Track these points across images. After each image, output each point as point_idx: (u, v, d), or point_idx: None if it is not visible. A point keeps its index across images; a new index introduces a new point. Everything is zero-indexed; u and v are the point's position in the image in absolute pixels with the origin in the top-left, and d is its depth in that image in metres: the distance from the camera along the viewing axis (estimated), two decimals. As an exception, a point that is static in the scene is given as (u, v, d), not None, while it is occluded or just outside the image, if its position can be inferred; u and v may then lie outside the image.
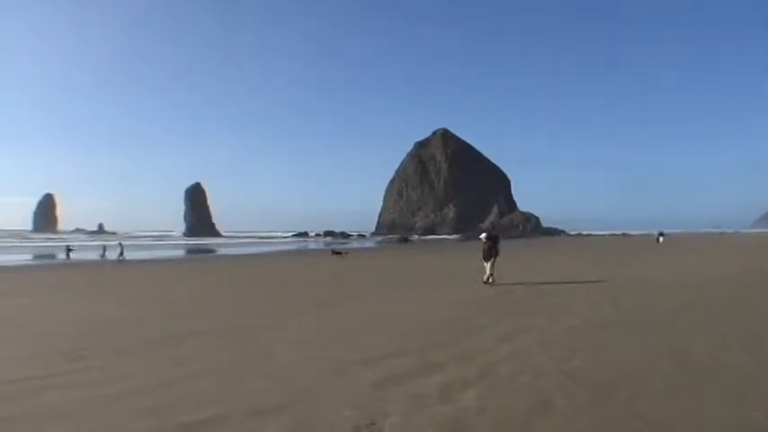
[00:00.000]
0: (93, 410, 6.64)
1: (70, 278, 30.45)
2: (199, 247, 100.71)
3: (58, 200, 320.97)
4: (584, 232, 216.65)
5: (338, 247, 59.55)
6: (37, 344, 11.07)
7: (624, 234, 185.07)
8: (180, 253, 75.43)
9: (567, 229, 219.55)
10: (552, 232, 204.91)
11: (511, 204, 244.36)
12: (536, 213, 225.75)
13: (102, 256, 53.46)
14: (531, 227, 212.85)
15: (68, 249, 55.64)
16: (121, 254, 50.78)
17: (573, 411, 6.39)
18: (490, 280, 21.23)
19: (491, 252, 21.78)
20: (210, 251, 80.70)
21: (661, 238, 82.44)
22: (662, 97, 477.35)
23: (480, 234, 24.21)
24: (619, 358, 9.00)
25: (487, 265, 21.62)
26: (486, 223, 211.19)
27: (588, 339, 10.51)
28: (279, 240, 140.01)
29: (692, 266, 31.09)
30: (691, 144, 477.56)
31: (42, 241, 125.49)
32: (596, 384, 7.40)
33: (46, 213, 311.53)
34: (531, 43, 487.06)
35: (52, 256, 58.99)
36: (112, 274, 33.42)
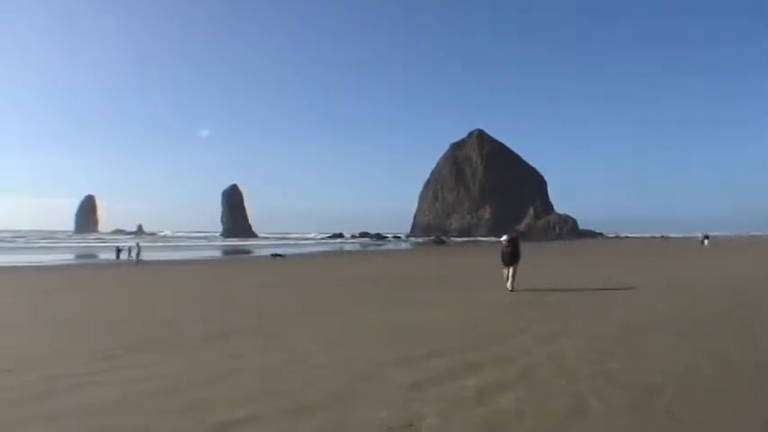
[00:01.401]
0: (131, 407, 6.76)
1: (105, 278, 31.00)
2: (234, 248, 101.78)
3: (98, 201, 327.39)
4: (622, 235, 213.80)
5: (278, 251, 61.57)
6: (75, 342, 11.31)
7: (663, 237, 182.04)
8: (216, 254, 76.35)
9: (604, 232, 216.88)
10: (589, 235, 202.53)
11: (547, 206, 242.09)
12: (573, 215, 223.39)
13: (117, 257, 53.89)
14: (567, 229, 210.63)
15: (118, 250, 56.17)
16: (138, 255, 51.09)
17: (611, 415, 6.29)
18: (512, 287, 19.42)
19: (513, 256, 19.94)
20: (245, 252, 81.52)
21: (706, 241, 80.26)
22: (706, 99, 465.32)
23: (501, 237, 21.85)
24: (658, 362, 8.84)
25: (508, 271, 19.80)
26: (522, 225, 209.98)
27: (626, 343, 10.34)
28: (314, 241, 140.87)
29: (737, 270, 30.39)
30: (737, 142, 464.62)
31: (84, 241, 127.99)
32: (635, 388, 7.28)
33: (87, 215, 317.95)
34: (567, 43, 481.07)
35: (94, 256, 60.01)
36: (144, 274, 33.96)
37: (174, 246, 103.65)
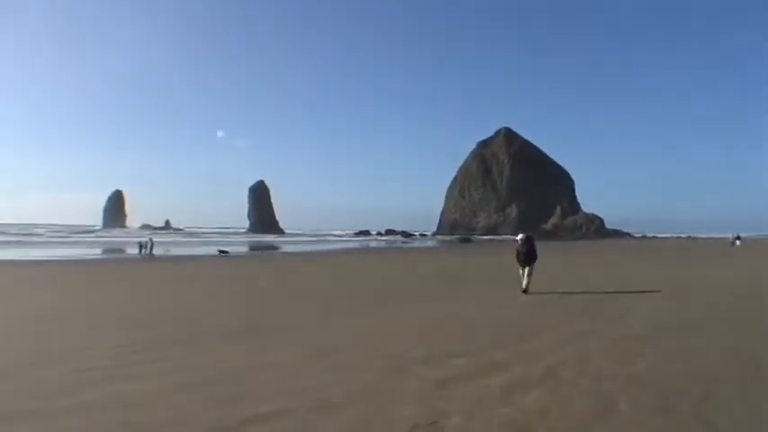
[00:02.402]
0: (162, 400, 6.88)
1: (126, 272, 31.39)
2: (260, 244, 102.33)
3: (126, 196, 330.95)
4: (649, 235, 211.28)
5: (224, 248, 61.62)
6: (107, 335, 11.51)
7: (689, 237, 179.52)
8: (243, 249, 76.90)
9: (631, 232, 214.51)
10: (616, 234, 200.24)
11: (574, 205, 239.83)
12: (600, 214, 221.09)
13: (140, 252, 51.78)
14: (594, 229, 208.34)
15: (150, 245, 53.30)
16: (151, 249, 50.68)
17: (638, 416, 6.26)
18: (527, 288, 18.49)
19: (530, 255, 19.01)
20: (272, 248, 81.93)
21: (738, 242, 78.75)
22: (733, 95, 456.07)
23: (517, 235, 20.86)
24: (686, 364, 8.75)
25: (524, 271, 18.89)
26: (549, 224, 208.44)
27: (653, 344, 10.25)
28: (341, 239, 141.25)
29: None
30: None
31: (107, 236, 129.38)
32: (662, 390, 7.23)
33: (115, 209, 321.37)
34: (596, 40, 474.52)
35: (122, 251, 60.26)
36: (171, 269, 34.35)
37: (198, 241, 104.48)
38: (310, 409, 6.51)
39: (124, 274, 30.29)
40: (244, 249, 77.78)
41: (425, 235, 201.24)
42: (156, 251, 51.32)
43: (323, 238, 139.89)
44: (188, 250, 62.96)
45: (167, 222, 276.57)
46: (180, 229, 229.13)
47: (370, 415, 6.30)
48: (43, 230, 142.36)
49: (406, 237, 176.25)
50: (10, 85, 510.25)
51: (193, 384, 7.57)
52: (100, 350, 9.92)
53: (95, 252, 59.36)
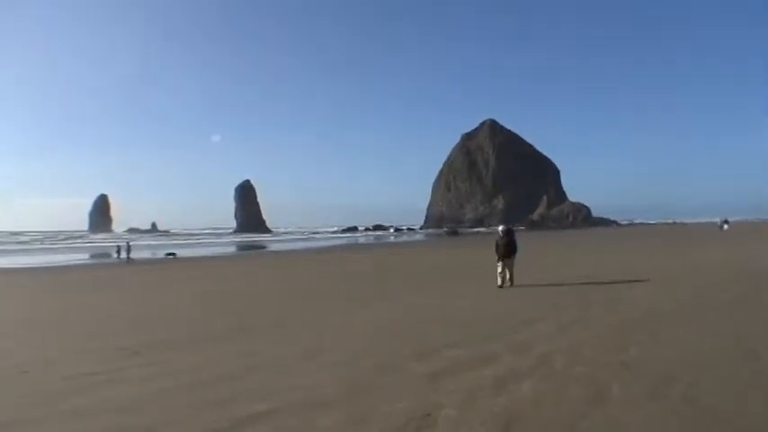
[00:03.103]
0: (156, 403, 6.87)
1: (121, 276, 31.22)
2: (247, 243, 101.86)
3: (111, 200, 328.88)
4: (636, 221, 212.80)
5: (173, 251, 58.07)
6: (97, 340, 11.44)
7: (674, 222, 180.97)
8: (230, 250, 76.66)
9: (618, 219, 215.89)
10: (603, 223, 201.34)
11: (560, 194, 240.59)
12: (587, 203, 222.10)
13: (118, 256, 50.07)
14: (581, 217, 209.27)
15: (127, 248, 50.81)
16: (128, 253, 49.09)
17: (630, 402, 6.31)
18: (508, 283, 18.00)
19: (509, 248, 18.25)
20: (259, 247, 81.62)
21: (726, 226, 79.35)
22: (720, 84, 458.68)
23: (499, 227, 20.17)
24: (677, 349, 8.84)
25: (501, 265, 18.13)
26: (535, 214, 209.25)
27: (645, 330, 10.33)
28: (328, 236, 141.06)
29: (758, 256, 30.08)
30: (749, 126, 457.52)
31: (90, 242, 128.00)
32: (654, 375, 7.29)
33: (101, 214, 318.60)
34: (575, 27, 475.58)
35: (108, 255, 58.71)
36: (159, 272, 34.19)
37: (182, 243, 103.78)
38: (306, 406, 6.52)
39: (107, 278, 30.04)
40: (231, 250, 77.58)
41: (413, 229, 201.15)
42: (133, 255, 50.00)
43: (310, 236, 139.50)
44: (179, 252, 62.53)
45: (153, 225, 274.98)
46: (166, 232, 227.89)
47: (365, 410, 6.32)
48: (27, 238, 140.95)
49: (394, 231, 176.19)
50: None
51: (186, 386, 7.56)
52: (90, 355, 9.87)
53: (78, 257, 58.61)
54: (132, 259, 47.35)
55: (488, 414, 6.07)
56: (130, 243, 52.71)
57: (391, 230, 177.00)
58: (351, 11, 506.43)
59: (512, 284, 18.03)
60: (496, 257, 18.44)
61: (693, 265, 24.63)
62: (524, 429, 5.68)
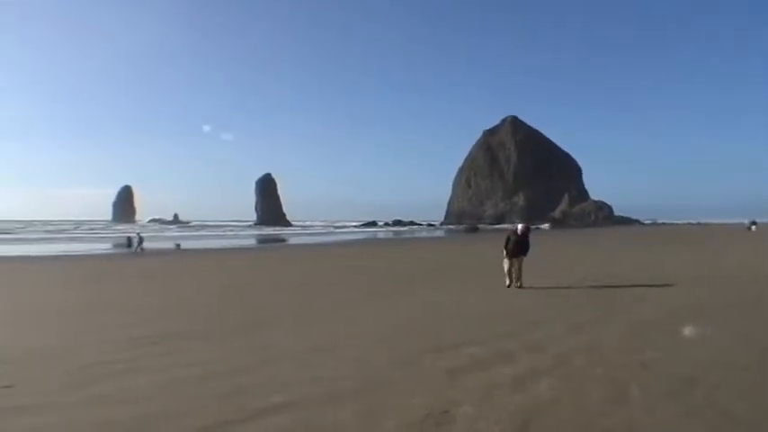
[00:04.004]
0: (174, 393, 6.91)
1: (140, 267, 31.44)
2: (264, 236, 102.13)
3: (135, 191, 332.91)
4: (659, 221, 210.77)
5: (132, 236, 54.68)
6: (113, 329, 11.49)
7: (699, 223, 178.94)
8: (247, 242, 77.03)
9: (641, 218, 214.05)
10: (625, 221, 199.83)
11: (582, 193, 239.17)
12: (608, 202, 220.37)
13: (129, 246, 49.47)
14: (602, 216, 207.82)
15: (138, 240, 49.38)
16: (139, 244, 48.27)
17: (650, 403, 6.23)
18: (517, 283, 17.10)
19: (521, 247, 17.44)
20: (276, 240, 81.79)
21: (754, 227, 78.18)
22: (747, 85, 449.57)
23: (517, 225, 18.89)
24: (698, 350, 8.71)
25: (508, 264, 17.31)
26: (557, 212, 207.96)
27: (666, 332, 10.20)
28: (347, 230, 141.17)
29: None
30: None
31: (109, 232, 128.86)
32: (675, 377, 7.19)
33: (124, 204, 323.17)
34: (602, 25, 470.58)
35: (121, 246, 58.09)
36: (177, 264, 34.39)
37: (198, 235, 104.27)
38: (322, 399, 6.52)
39: (116, 269, 30.21)
40: (248, 242, 77.94)
41: (433, 225, 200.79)
42: (146, 245, 50.02)
43: (330, 230, 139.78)
44: (191, 243, 62.79)
45: (176, 216, 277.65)
46: (188, 223, 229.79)
47: (382, 405, 6.31)
48: (52, 227, 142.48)
49: (413, 227, 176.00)
50: (19, 84, 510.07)
51: (203, 377, 7.59)
52: (108, 344, 9.92)
53: (93, 247, 58.84)
54: (143, 250, 47.49)
55: (506, 412, 6.02)
56: (141, 234, 52.83)
57: (410, 227, 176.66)
58: (378, 7, 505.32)
59: (520, 286, 17.03)
60: (504, 254, 17.51)
61: (716, 265, 24.32)
62: (542, 428, 5.63)
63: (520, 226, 18.54)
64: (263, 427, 5.75)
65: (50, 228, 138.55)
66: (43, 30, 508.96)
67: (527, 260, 17.69)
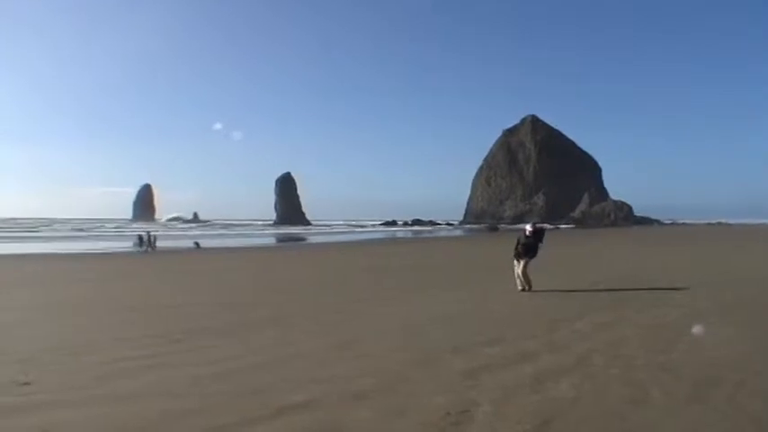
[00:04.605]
0: (196, 389, 6.98)
1: (157, 265, 31.70)
2: (283, 235, 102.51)
3: (155, 190, 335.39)
4: (680, 221, 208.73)
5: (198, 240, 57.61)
6: (135, 326, 11.64)
7: (719, 223, 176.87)
8: (266, 241, 77.38)
9: (660, 218, 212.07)
10: (645, 221, 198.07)
11: (602, 192, 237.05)
12: (628, 202, 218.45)
13: (140, 244, 49.06)
14: (622, 216, 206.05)
15: (148, 238, 49.42)
16: (150, 243, 48.41)
17: (672, 405, 6.20)
18: (526, 287, 16.19)
19: (530, 250, 16.55)
20: (295, 239, 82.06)
21: None
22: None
23: (528, 225, 18.08)
24: (720, 351, 8.65)
25: (519, 267, 16.50)
26: (577, 212, 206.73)
27: (686, 333, 10.12)
28: (366, 229, 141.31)
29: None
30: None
31: (126, 230, 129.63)
32: (696, 378, 7.14)
33: (144, 203, 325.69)
34: (620, 26, 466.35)
35: (134, 244, 58.00)
36: (195, 262, 34.61)
37: (222, 234, 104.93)
38: (342, 397, 6.56)
39: (138, 267, 30.49)
40: (267, 241, 78.30)
41: (452, 224, 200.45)
42: (161, 243, 50.01)
43: (349, 229, 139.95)
44: (210, 242, 63.18)
45: (195, 215, 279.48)
46: (207, 221, 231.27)
47: (403, 403, 6.33)
48: (70, 226, 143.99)
49: (432, 226, 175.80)
50: (39, 83, 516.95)
51: (225, 374, 7.66)
52: (131, 341, 10.01)
53: (109, 245, 59.07)
54: (155, 248, 47.57)
55: (526, 412, 6.02)
56: (152, 233, 52.80)
57: (429, 226, 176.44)
58: (398, 5, 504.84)
59: (529, 288, 16.13)
60: (513, 256, 16.80)
61: (737, 266, 24.06)
62: (562, 429, 5.63)
63: (528, 226, 17.74)
64: (287, 425, 5.79)
65: (70, 226, 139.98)
66: (68, 31, 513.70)
67: (537, 262, 16.87)
